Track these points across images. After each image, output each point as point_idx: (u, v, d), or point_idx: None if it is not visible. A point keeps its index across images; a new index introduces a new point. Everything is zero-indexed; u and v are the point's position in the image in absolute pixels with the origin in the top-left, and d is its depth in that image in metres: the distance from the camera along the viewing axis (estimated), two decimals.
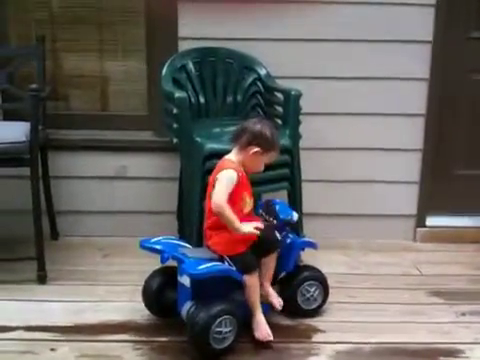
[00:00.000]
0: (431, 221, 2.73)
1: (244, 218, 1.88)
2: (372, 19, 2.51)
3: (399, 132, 2.63)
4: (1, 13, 2.55)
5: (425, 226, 2.73)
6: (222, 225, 1.85)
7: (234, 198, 1.83)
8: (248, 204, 1.89)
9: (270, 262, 1.94)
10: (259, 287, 1.87)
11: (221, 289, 1.82)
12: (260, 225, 1.85)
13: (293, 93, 2.29)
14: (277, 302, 1.95)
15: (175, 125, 2.20)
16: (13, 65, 2.53)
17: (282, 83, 2.44)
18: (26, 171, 2.15)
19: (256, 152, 1.85)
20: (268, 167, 2.17)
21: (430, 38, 2.54)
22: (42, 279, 2.20)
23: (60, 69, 2.69)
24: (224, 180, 1.81)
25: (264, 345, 1.84)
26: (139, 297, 1.97)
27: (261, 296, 1.90)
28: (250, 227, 1.82)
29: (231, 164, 1.86)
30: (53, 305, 2.06)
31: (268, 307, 1.93)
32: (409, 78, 2.57)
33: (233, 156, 1.89)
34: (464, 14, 2.60)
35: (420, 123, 2.62)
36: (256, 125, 1.88)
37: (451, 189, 2.73)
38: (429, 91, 2.59)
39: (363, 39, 2.53)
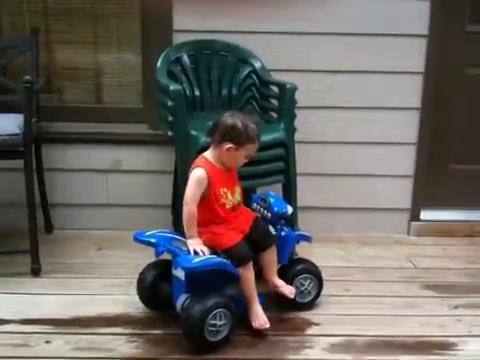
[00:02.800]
0: (425, 215, 2.74)
1: (229, 213, 1.88)
2: (368, 13, 2.51)
3: (394, 126, 2.63)
4: None
5: (419, 220, 2.73)
6: (211, 220, 1.85)
7: (211, 196, 1.83)
8: (231, 199, 1.89)
9: (270, 257, 1.95)
10: (254, 278, 1.87)
11: (216, 282, 1.82)
12: (204, 251, 1.79)
13: (288, 86, 2.28)
14: (288, 291, 1.95)
15: (170, 118, 2.19)
16: (6, 57, 2.52)
17: (277, 76, 2.44)
18: (20, 164, 2.14)
19: (229, 148, 1.83)
20: (263, 161, 2.19)
21: (426, 32, 2.54)
22: (36, 272, 2.19)
23: (54, 61, 2.67)
24: (190, 180, 1.83)
25: (259, 337, 1.85)
26: (134, 290, 1.97)
27: (269, 288, 1.92)
28: (194, 246, 1.80)
29: (202, 162, 1.86)
30: (47, 298, 2.06)
31: (264, 298, 1.93)
32: (404, 72, 2.57)
33: (209, 153, 1.89)
34: (460, 8, 2.60)
35: (415, 117, 2.62)
36: (227, 120, 1.85)
37: (445, 183, 2.74)
38: (424, 85, 2.59)
39: (359, 33, 2.52)
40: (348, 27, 2.52)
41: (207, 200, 1.84)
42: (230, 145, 1.83)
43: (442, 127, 2.70)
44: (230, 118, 1.86)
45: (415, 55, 2.56)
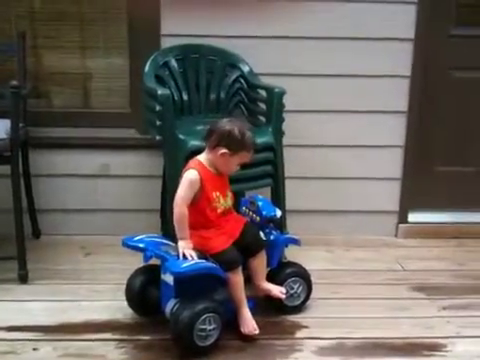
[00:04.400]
0: (413, 217, 2.76)
1: (220, 218, 1.88)
2: (354, 17, 2.53)
3: (381, 129, 2.65)
4: None
5: (407, 222, 2.75)
6: (201, 224, 1.85)
7: (203, 199, 1.83)
8: (222, 204, 1.89)
9: (259, 261, 1.95)
10: (243, 283, 1.87)
11: (205, 287, 1.81)
12: (193, 256, 1.79)
13: (276, 90, 2.29)
14: (279, 292, 1.96)
15: (158, 122, 2.19)
16: None
17: (266, 80, 2.44)
18: (7, 169, 2.12)
19: (224, 153, 1.83)
20: (251, 164, 2.19)
21: (412, 36, 2.56)
22: (23, 278, 2.17)
23: (41, 66, 2.66)
24: (183, 181, 1.83)
25: (248, 342, 1.85)
26: (122, 296, 1.96)
27: (258, 293, 1.93)
28: (183, 249, 1.80)
29: (195, 164, 1.86)
30: (35, 304, 2.04)
31: (254, 303, 1.93)
32: (391, 75, 2.59)
33: (203, 156, 1.89)
34: (445, 11, 2.62)
35: (402, 120, 2.64)
36: (225, 126, 1.85)
37: (433, 185, 2.76)
38: (411, 88, 2.61)
39: (345, 37, 2.54)
40: (335, 31, 2.53)
41: (198, 203, 1.84)
42: (225, 151, 1.83)
43: (429, 130, 2.72)
44: (228, 124, 1.86)
45: (401, 59, 2.58)
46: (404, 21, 2.54)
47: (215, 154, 1.85)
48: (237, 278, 1.84)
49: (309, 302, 2.06)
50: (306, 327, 1.96)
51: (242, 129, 1.85)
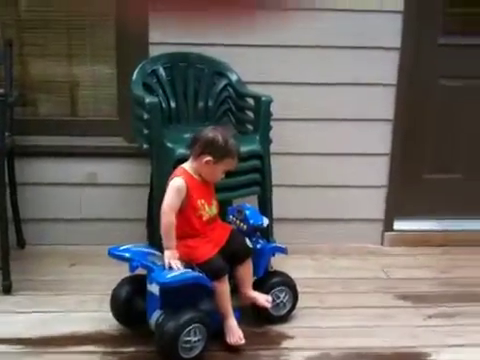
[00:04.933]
0: (399, 225, 2.77)
1: (206, 226, 1.88)
2: (341, 26, 2.54)
3: (368, 137, 2.66)
4: None
5: (393, 230, 2.76)
6: (187, 233, 1.85)
7: (188, 207, 1.83)
8: (208, 212, 1.89)
9: (246, 269, 1.95)
10: (229, 292, 1.87)
11: (191, 297, 1.81)
12: (178, 266, 1.79)
13: (264, 99, 2.30)
14: (264, 301, 1.96)
15: (146, 130, 2.19)
16: None
17: (253, 88, 2.45)
18: None
19: (208, 161, 1.84)
20: (239, 172, 2.19)
21: (398, 45, 2.58)
22: (7, 289, 2.15)
23: (28, 74, 2.65)
24: (169, 189, 1.83)
25: (234, 352, 1.85)
26: (107, 306, 1.95)
27: (242, 302, 1.92)
28: (169, 259, 1.79)
29: (181, 172, 1.86)
30: (19, 316, 2.02)
31: (239, 313, 1.93)
32: (377, 84, 2.60)
33: (188, 164, 1.89)
34: (432, 21, 2.63)
35: (388, 128, 2.66)
36: (208, 133, 1.86)
37: (419, 193, 2.78)
38: (397, 97, 2.62)
39: (332, 45, 2.55)
40: (322, 40, 2.54)
41: (184, 211, 1.84)
42: (209, 158, 1.84)
43: (415, 138, 2.73)
44: (211, 132, 1.87)
45: (388, 67, 2.59)
46: (391, 30, 2.56)
47: (200, 162, 1.85)
48: (223, 287, 1.84)
49: (295, 311, 2.07)
50: (292, 337, 1.96)
51: (225, 136, 1.86)
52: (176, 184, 1.82)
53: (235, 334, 1.85)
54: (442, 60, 2.67)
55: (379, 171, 2.69)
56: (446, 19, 2.65)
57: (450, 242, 2.73)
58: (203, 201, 1.88)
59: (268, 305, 1.96)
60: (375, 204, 2.72)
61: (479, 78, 2.70)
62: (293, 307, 2.06)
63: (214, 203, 1.94)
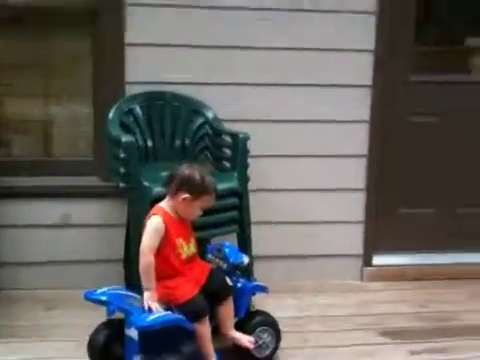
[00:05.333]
0: (377, 260, 2.78)
1: (184, 265, 1.85)
2: (312, 63, 2.59)
3: (344, 173, 2.69)
4: None
5: (372, 265, 2.77)
6: (166, 273, 1.82)
7: (167, 246, 1.81)
8: (186, 251, 1.87)
9: (227, 309, 1.91)
10: (210, 334, 1.83)
11: (171, 340, 1.76)
12: (157, 308, 1.76)
13: (241, 136, 2.31)
14: (247, 342, 1.92)
15: (122, 169, 2.16)
16: None
17: (230, 126, 2.46)
18: None
19: (186, 198, 1.83)
20: (217, 210, 2.18)
21: (369, 82, 2.65)
22: None
23: (3, 114, 2.61)
24: (147, 228, 1.81)
25: None
26: (85, 352, 1.88)
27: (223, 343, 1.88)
28: (148, 300, 1.76)
29: (158, 211, 1.84)
30: None
31: (220, 355, 1.88)
32: (350, 120, 2.66)
33: (165, 202, 1.88)
34: (402, 59, 2.71)
35: (363, 163, 2.70)
36: (185, 171, 1.86)
37: (395, 228, 2.81)
38: (370, 132, 2.68)
39: (305, 83, 2.60)
40: (294, 77, 2.59)
41: (163, 250, 1.81)
42: (186, 195, 1.82)
43: (390, 172, 2.77)
44: (187, 169, 1.86)
45: (361, 104, 2.65)
46: (361, 68, 2.62)
47: (177, 200, 1.84)
48: (204, 328, 1.80)
49: (278, 351, 2.03)
50: None
51: (202, 173, 1.86)
52: (154, 223, 1.80)
53: None
54: (414, 97, 2.75)
55: (356, 206, 2.72)
56: (417, 57, 2.73)
57: (425, 276, 2.75)
58: (181, 240, 1.86)
59: (251, 346, 1.92)
60: (354, 239, 2.74)
61: (450, 114, 2.78)
62: (276, 348, 2.02)
63: (192, 241, 1.92)
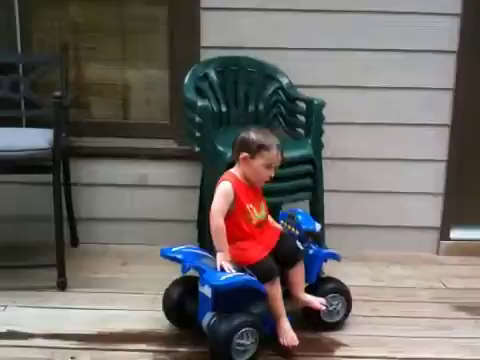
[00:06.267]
0: (455, 233, 2.68)
1: (255, 229, 1.87)
2: (398, 29, 2.49)
3: (424, 143, 2.59)
4: (25, 21, 2.56)
5: (449, 239, 2.67)
6: (237, 236, 1.84)
7: (237, 211, 1.83)
8: (257, 216, 1.87)
9: (298, 273, 1.91)
10: (281, 294, 1.84)
11: (243, 300, 1.79)
12: (231, 269, 1.78)
13: (316, 102, 2.27)
14: (319, 304, 1.92)
15: (197, 133, 2.19)
16: (36, 73, 2.55)
17: (305, 92, 2.42)
18: (48, 178, 2.15)
19: (245, 157, 1.85)
20: (290, 177, 2.16)
21: (455, 48, 2.51)
22: (62, 286, 2.19)
23: (83, 77, 2.71)
24: (217, 193, 1.84)
25: (287, 358, 1.81)
26: (159, 306, 1.95)
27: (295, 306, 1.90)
28: (221, 261, 1.79)
29: (229, 176, 1.87)
30: (73, 313, 2.06)
31: (292, 317, 1.89)
32: (434, 88, 2.54)
33: (235, 169, 1.90)
34: None
35: (445, 134, 2.58)
36: (241, 133, 1.89)
37: (476, 201, 2.67)
38: (454, 101, 2.55)
39: (389, 49, 2.51)
40: (378, 43, 2.50)
41: (233, 215, 1.83)
42: (245, 154, 1.85)
43: (473, 144, 2.64)
44: (243, 132, 1.89)
45: (445, 71, 2.53)
46: (448, 33, 2.49)
47: (241, 163, 1.86)
48: (274, 290, 1.82)
49: (349, 319, 2.01)
50: (346, 345, 1.91)
51: (257, 131, 1.88)
52: (223, 188, 1.83)
53: (288, 336, 1.82)
54: None
55: (436, 178, 2.62)
56: None
57: None
58: (252, 205, 1.87)
59: (323, 308, 1.92)
60: (431, 212, 2.64)
61: None
62: (346, 314, 2.01)
63: (263, 208, 1.92)
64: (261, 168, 1.86)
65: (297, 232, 1.98)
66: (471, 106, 2.58)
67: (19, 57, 2.57)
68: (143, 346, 1.86)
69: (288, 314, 1.87)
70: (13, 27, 2.53)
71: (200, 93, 2.38)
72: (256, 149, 1.84)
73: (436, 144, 2.59)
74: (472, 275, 2.48)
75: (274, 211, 2.06)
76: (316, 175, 2.25)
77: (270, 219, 1.98)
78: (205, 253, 1.92)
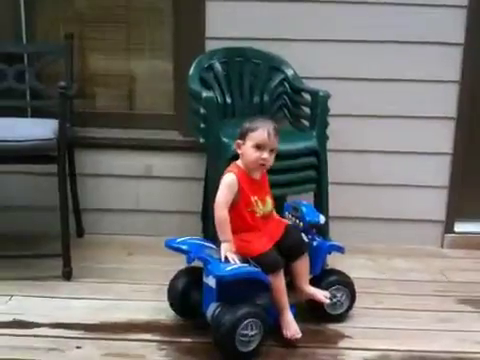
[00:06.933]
0: (459, 227, 2.67)
1: (259, 221, 1.87)
2: (404, 21, 2.47)
3: (429, 136, 2.58)
4: (30, 11, 2.56)
5: (453, 232, 2.67)
6: (241, 228, 1.85)
7: (241, 203, 1.83)
8: (261, 209, 1.88)
9: (302, 264, 1.92)
10: (285, 286, 1.85)
11: (247, 291, 1.79)
12: (235, 260, 1.79)
13: (321, 94, 2.26)
14: (322, 296, 1.93)
15: (202, 125, 2.19)
16: (41, 62, 2.55)
17: (310, 84, 2.41)
18: (53, 168, 2.15)
19: (238, 144, 1.88)
20: (294, 169, 2.16)
21: (462, 40, 2.49)
22: (67, 276, 2.20)
23: (87, 67, 2.71)
24: (221, 185, 1.85)
25: (290, 349, 1.82)
26: (164, 296, 1.96)
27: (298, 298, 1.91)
28: (226, 252, 1.80)
29: (234, 168, 1.88)
30: (78, 302, 2.07)
31: (296, 309, 1.90)
32: (440, 81, 2.53)
33: (240, 161, 1.91)
34: None
35: (451, 127, 2.57)
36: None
37: None
38: (460, 94, 2.54)
39: (394, 40, 2.49)
40: (384, 35, 2.49)
41: (237, 207, 1.84)
42: (238, 141, 1.89)
43: (478, 137, 2.63)
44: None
45: (451, 64, 2.51)
46: (454, 25, 2.47)
47: (239, 153, 1.88)
48: (279, 281, 1.82)
49: (352, 311, 2.02)
50: (349, 337, 1.92)
51: (251, 120, 1.90)
52: (227, 180, 1.84)
53: (291, 328, 1.83)
54: None
55: (441, 171, 2.61)
56: None
57: None
58: (256, 198, 1.87)
59: (326, 301, 1.93)
60: (436, 205, 2.64)
61: None
62: (350, 307, 2.01)
63: (268, 200, 1.92)
64: (250, 150, 1.85)
65: (301, 224, 1.98)
66: (477, 99, 2.57)
67: (24, 47, 2.56)
68: (147, 336, 1.87)
69: (292, 305, 1.88)
70: (18, 17, 2.53)
71: (205, 84, 2.38)
72: (244, 133, 1.88)
73: (441, 137, 2.59)
74: (476, 268, 2.48)
75: (279, 203, 2.06)
76: (321, 167, 2.25)
77: (276, 216, 1.98)
78: (210, 244, 1.93)
